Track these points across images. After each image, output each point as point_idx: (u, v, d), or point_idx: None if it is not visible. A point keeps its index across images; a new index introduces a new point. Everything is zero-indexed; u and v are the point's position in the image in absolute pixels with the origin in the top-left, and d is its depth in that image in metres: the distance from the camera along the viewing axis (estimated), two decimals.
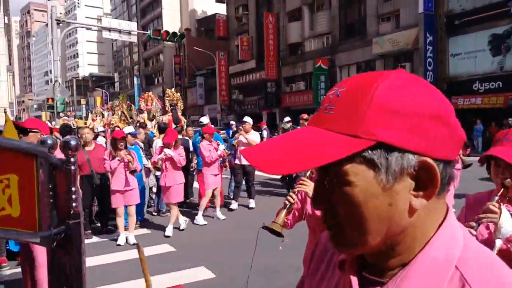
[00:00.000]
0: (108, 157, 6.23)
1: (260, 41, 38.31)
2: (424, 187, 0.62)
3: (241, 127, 8.80)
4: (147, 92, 15.85)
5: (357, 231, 0.64)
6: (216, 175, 7.65)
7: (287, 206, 2.54)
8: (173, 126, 12.22)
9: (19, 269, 3.83)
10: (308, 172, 2.57)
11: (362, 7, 29.03)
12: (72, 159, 1.02)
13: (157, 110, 15.49)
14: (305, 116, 9.91)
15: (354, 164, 0.62)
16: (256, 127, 17.39)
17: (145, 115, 14.66)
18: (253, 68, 39.60)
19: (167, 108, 13.55)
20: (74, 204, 1.04)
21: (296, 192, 2.59)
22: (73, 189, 1.03)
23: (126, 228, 6.62)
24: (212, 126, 13.93)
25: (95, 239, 6.75)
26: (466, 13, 22.28)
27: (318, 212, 2.28)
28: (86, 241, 6.56)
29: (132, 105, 19.80)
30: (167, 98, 13.63)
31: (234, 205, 8.53)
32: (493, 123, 20.07)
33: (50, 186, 1.02)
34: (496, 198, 1.78)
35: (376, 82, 0.63)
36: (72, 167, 1.03)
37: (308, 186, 2.51)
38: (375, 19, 27.69)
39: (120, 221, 6.42)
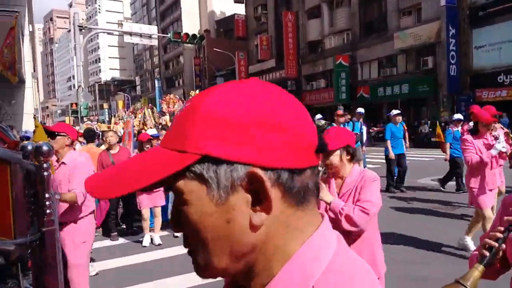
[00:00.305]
0: None
1: (279, 40, 38.23)
2: (259, 201, 0.57)
3: None
4: (169, 95, 15.95)
5: (202, 253, 0.60)
6: None
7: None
8: None
9: None
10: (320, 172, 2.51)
11: (382, 2, 28.65)
12: (44, 165, 0.99)
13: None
14: (340, 112, 9.96)
15: (187, 181, 0.58)
16: None
17: (167, 117, 14.79)
18: (273, 67, 39.57)
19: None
20: (48, 211, 1.00)
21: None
22: (47, 195, 1.00)
23: (151, 229, 6.67)
24: None
25: (121, 240, 6.81)
26: (490, 4, 21.74)
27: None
28: (112, 243, 6.64)
29: (154, 108, 20.03)
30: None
31: None
32: None
33: (26, 192, 1.00)
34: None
35: (204, 95, 0.60)
36: (45, 173, 0.99)
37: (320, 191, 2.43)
38: (396, 14, 27.29)
39: (146, 223, 6.46)
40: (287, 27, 35.78)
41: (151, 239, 6.46)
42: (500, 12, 21.19)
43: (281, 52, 37.54)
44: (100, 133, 14.43)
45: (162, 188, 6.29)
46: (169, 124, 14.51)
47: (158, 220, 6.57)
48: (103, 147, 7.51)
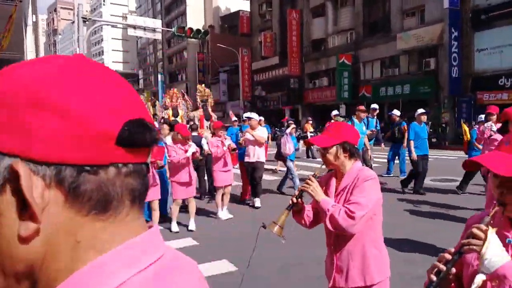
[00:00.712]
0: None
1: (283, 37, 38.41)
2: (25, 205, 0.44)
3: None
4: (172, 89, 16.03)
5: None
6: (226, 171, 7.47)
7: (289, 207, 2.38)
8: (205, 122, 12.48)
9: None
10: (317, 171, 2.47)
11: (386, 2, 28.82)
12: None
13: (188, 106, 15.71)
14: (362, 107, 9.61)
15: None
16: (281, 124, 17.66)
17: (169, 111, 14.85)
18: (276, 64, 39.75)
19: (198, 104, 13.59)
20: None
21: (301, 193, 2.39)
22: None
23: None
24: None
25: None
26: (493, 8, 21.95)
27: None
28: None
29: (157, 101, 20.16)
30: (198, 94, 13.64)
31: (257, 202, 8.34)
32: None
33: None
34: (487, 218, 1.31)
35: None
36: None
37: (310, 186, 2.33)
38: (399, 15, 27.50)
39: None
40: (291, 25, 35.96)
41: None
42: (502, 16, 21.41)
43: (284, 49, 37.72)
44: None
45: (159, 182, 6.34)
46: (171, 118, 14.63)
47: (156, 214, 6.54)
48: None
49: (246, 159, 8.20)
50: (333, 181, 2.43)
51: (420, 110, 9.49)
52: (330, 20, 33.38)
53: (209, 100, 13.47)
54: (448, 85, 23.51)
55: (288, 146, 9.08)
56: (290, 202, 2.37)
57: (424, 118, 9.36)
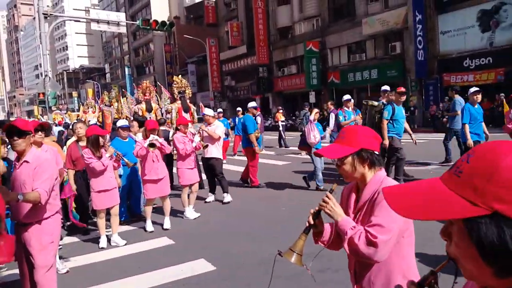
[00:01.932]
0: (92, 155, 5.63)
1: (250, 26, 38.09)
2: None
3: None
4: (145, 82, 15.46)
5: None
6: (192, 168, 7.27)
7: (306, 230, 2.04)
8: (183, 114, 12.12)
9: (17, 271, 3.78)
10: (334, 186, 2.08)
11: None
12: None
13: (164, 99, 15.26)
14: (401, 89, 8.44)
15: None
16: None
17: (143, 105, 14.28)
18: (244, 53, 39.43)
19: (175, 96, 13.13)
20: None
21: (317, 213, 2.05)
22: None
23: (121, 223, 6.62)
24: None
25: (93, 234, 6.57)
26: None
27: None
28: (82, 237, 6.56)
29: (128, 95, 19.54)
30: (175, 86, 13.14)
31: (210, 198, 8.30)
32: (486, 99, 20.16)
33: None
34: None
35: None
36: None
37: (327, 204, 2.00)
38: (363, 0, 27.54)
39: (102, 223, 6.00)
40: (257, 14, 35.63)
41: (108, 240, 6.08)
42: None
43: (252, 38, 37.44)
44: (71, 124, 14.06)
45: (116, 187, 6.01)
46: (146, 114, 14.06)
47: (116, 220, 6.13)
48: (73, 139, 7.19)
49: (203, 155, 8.10)
50: (353, 196, 2.09)
51: (473, 89, 8.48)
52: (295, 7, 33.21)
53: (187, 91, 13.04)
54: (414, 68, 23.76)
55: (313, 134, 8.36)
56: (307, 223, 2.04)
57: (478, 98, 8.32)
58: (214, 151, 7.97)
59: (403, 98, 8.42)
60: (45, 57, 18.07)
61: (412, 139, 8.57)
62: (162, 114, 13.99)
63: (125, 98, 17.98)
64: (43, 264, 3.33)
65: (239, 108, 15.01)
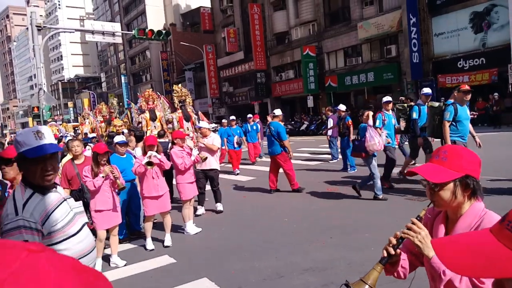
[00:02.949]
0: (89, 174, 5.49)
1: (246, 32, 38.47)
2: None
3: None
4: (148, 90, 15.49)
5: None
6: (191, 182, 7.15)
7: (384, 260, 1.76)
8: (184, 123, 12.23)
9: None
10: (423, 213, 1.83)
11: None
12: None
13: (164, 108, 15.27)
14: (465, 87, 7.45)
15: None
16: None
17: (147, 114, 14.23)
18: (242, 59, 39.76)
19: (176, 105, 13.11)
20: None
21: (400, 241, 1.76)
22: None
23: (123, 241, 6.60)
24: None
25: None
26: None
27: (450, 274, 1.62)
28: None
29: (132, 104, 19.48)
30: (175, 95, 13.12)
31: (200, 210, 8.25)
32: (480, 99, 20.70)
33: None
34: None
35: None
36: None
37: (418, 235, 1.70)
38: (358, 4, 28.02)
39: (101, 245, 5.70)
40: (253, 19, 36.02)
41: (108, 260, 5.87)
42: (456, 1, 22.18)
43: (249, 44, 37.79)
44: (65, 137, 13.86)
45: (117, 207, 5.75)
46: (150, 123, 14.17)
47: (115, 240, 5.91)
48: (68, 156, 6.84)
49: (199, 167, 8.00)
50: (442, 227, 1.84)
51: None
52: (291, 13, 33.60)
53: (187, 100, 13.05)
54: (410, 71, 24.23)
55: (378, 140, 7.73)
56: (385, 253, 1.76)
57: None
58: (213, 162, 8.03)
59: (468, 97, 7.44)
60: (39, 70, 17.80)
61: (476, 142, 7.70)
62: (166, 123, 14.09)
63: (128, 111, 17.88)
64: None
65: (233, 117, 14.72)
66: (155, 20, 56.91)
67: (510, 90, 19.11)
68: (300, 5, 32.87)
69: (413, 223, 1.73)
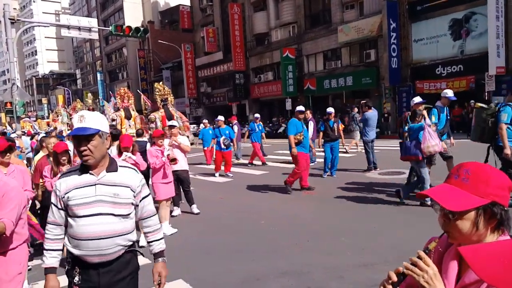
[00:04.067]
0: (49, 173, 5.36)
1: (226, 32, 38.05)
2: None
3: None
4: (123, 88, 15.02)
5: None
6: (167, 183, 7.08)
7: None
8: (167, 121, 11.79)
9: None
10: (433, 245, 1.42)
11: None
12: None
13: (145, 108, 14.81)
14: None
15: None
16: (227, 122, 17.34)
17: (122, 113, 13.85)
18: (221, 59, 39.34)
19: (159, 104, 12.72)
20: None
21: (401, 278, 1.38)
22: None
23: None
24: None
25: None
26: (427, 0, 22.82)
27: None
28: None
29: (105, 102, 18.97)
30: (157, 94, 12.76)
31: (176, 211, 8.09)
32: (456, 106, 20.74)
33: None
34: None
35: None
36: None
37: (424, 275, 1.31)
38: (339, 7, 27.93)
39: None
40: (233, 19, 35.65)
41: None
42: (436, 7, 22.27)
43: (228, 44, 37.39)
44: (39, 134, 13.48)
45: None
46: (124, 121, 13.70)
47: None
48: (41, 153, 6.86)
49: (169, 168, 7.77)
50: (454, 264, 1.42)
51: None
52: (272, 14, 33.38)
53: (169, 99, 12.69)
54: (388, 76, 24.21)
55: (435, 142, 7.14)
56: None
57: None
58: (184, 163, 7.90)
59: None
60: (13, 64, 17.45)
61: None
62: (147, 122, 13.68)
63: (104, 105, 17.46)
64: (11, 279, 3.11)
65: (221, 117, 13.69)
66: (133, 17, 55.94)
67: (486, 97, 19.19)
68: (281, 6, 32.66)
69: (419, 257, 1.34)
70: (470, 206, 1.31)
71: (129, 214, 2.47)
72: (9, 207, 2.95)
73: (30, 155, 11.76)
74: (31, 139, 14.48)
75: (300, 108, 9.71)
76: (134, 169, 2.57)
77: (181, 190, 8.22)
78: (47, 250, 2.46)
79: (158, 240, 2.63)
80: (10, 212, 2.94)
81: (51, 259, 2.45)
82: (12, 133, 16.83)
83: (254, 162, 14.62)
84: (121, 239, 2.43)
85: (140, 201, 2.53)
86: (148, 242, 2.63)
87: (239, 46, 35.94)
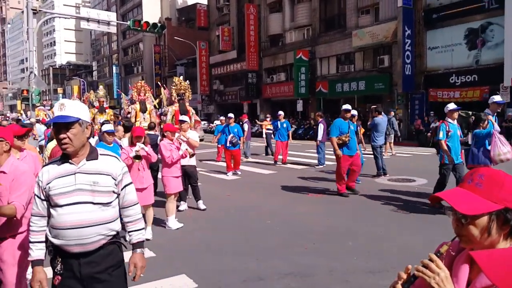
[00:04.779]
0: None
1: (241, 31, 38.21)
2: None
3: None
4: (140, 81, 15.00)
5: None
6: (177, 177, 7.08)
7: None
8: (180, 117, 11.83)
9: None
10: (444, 248, 1.41)
11: (342, 0, 29.22)
12: None
13: (163, 101, 14.67)
14: None
15: None
16: (238, 121, 17.43)
17: (137, 106, 13.83)
18: (234, 58, 39.51)
19: (173, 99, 12.49)
20: None
21: (412, 280, 1.38)
22: None
23: None
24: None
25: None
26: (444, 8, 22.65)
27: None
28: None
29: (123, 95, 19.04)
30: (173, 88, 12.56)
31: (183, 206, 8.08)
32: None
33: None
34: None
35: None
36: None
37: (436, 277, 1.31)
38: (354, 12, 27.90)
39: None
40: (249, 20, 35.80)
41: None
42: (452, 16, 22.11)
43: (242, 44, 37.55)
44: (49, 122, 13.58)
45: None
46: (140, 114, 13.69)
47: None
48: (54, 141, 6.84)
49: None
50: (465, 268, 1.40)
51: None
52: (287, 16, 33.46)
53: (187, 94, 12.49)
54: (401, 82, 24.09)
55: (507, 149, 6.78)
56: None
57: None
58: (192, 158, 7.98)
59: None
60: (32, 53, 17.79)
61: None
62: (160, 115, 13.67)
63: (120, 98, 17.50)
64: (13, 281, 3.12)
65: (231, 115, 13.53)
66: (151, 13, 56.36)
67: (500, 109, 19.00)
68: (296, 9, 32.71)
69: (431, 260, 1.34)
70: (482, 210, 1.30)
71: (110, 203, 2.44)
72: (20, 191, 3.01)
73: (43, 142, 11.94)
74: (47, 127, 14.70)
75: (347, 106, 9.23)
76: (116, 157, 2.55)
77: (189, 185, 8.26)
78: (32, 242, 2.43)
79: (138, 230, 2.57)
80: (21, 195, 3.01)
81: (37, 251, 2.42)
82: (26, 120, 17.08)
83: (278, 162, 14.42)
84: (102, 228, 2.39)
85: (122, 189, 2.50)
86: (128, 232, 2.59)
87: (253, 46, 36.07)
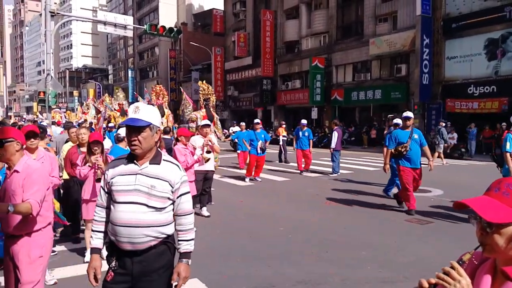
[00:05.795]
0: (81, 162, 5.49)
1: (257, 38, 38.22)
2: None
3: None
4: (159, 85, 14.99)
5: None
6: (192, 181, 6.99)
7: None
8: (201, 122, 11.77)
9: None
10: (467, 257, 1.35)
11: (359, 7, 28.99)
12: None
13: (186, 106, 14.66)
14: None
15: None
16: (251, 127, 17.28)
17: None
18: (249, 64, 39.51)
19: (201, 103, 12.30)
20: None
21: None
22: None
23: None
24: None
25: (83, 243, 6.16)
26: (463, 17, 22.33)
27: None
28: (73, 246, 6.19)
29: (139, 98, 19.04)
30: (201, 92, 12.43)
31: (205, 212, 7.97)
32: (487, 127, 20.20)
33: None
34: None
35: None
36: None
37: (455, 284, 1.28)
38: (372, 20, 27.68)
39: (88, 234, 5.40)
40: (265, 26, 35.78)
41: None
42: (472, 26, 21.79)
43: (258, 50, 37.54)
44: (66, 124, 13.71)
45: None
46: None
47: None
48: (70, 143, 6.97)
49: (201, 167, 7.68)
50: (488, 279, 1.36)
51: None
52: (304, 23, 33.35)
53: (212, 99, 12.35)
54: (418, 92, 23.78)
55: None
56: None
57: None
58: (212, 163, 7.96)
59: None
60: (49, 56, 17.93)
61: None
62: (186, 122, 13.65)
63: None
64: (29, 279, 3.10)
65: (257, 120, 13.18)
66: (167, 17, 56.82)
67: None
68: (313, 16, 32.60)
69: (452, 268, 1.31)
70: (508, 219, 1.27)
71: (163, 208, 2.49)
72: (34, 189, 3.05)
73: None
74: (65, 129, 14.79)
75: (408, 114, 8.24)
76: (177, 165, 2.60)
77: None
78: (94, 231, 2.56)
79: (187, 240, 2.60)
80: (36, 193, 3.04)
81: (96, 240, 2.55)
82: (41, 122, 17.24)
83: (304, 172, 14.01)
84: (152, 231, 2.44)
85: (178, 197, 2.55)
86: (178, 240, 2.62)
87: (269, 52, 36.02)
